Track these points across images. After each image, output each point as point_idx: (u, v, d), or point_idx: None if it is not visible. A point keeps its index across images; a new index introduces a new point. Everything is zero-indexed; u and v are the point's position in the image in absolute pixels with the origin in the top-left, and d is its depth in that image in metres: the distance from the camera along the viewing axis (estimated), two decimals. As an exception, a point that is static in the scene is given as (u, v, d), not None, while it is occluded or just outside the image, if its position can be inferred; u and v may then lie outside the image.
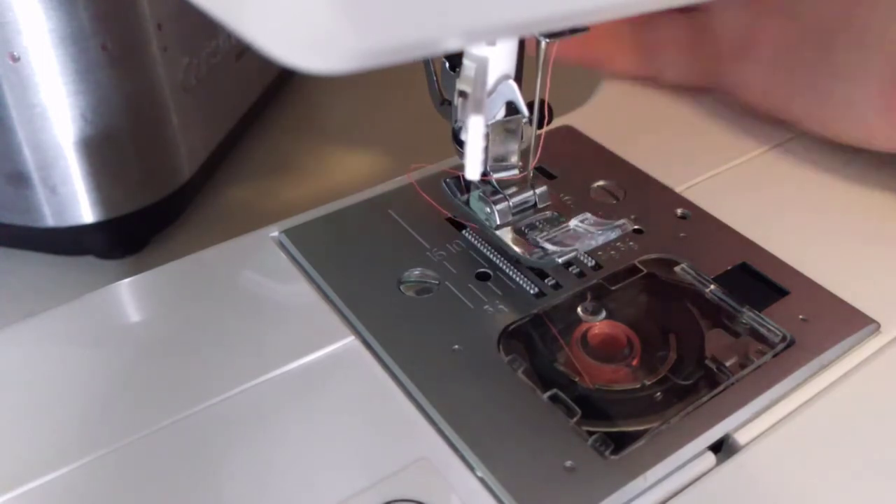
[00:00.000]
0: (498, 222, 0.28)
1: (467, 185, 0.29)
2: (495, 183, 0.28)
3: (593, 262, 0.28)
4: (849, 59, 0.31)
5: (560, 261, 0.26)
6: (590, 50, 0.38)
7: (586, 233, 0.27)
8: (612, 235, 0.27)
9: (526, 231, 0.28)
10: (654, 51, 0.38)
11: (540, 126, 0.27)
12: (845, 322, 0.26)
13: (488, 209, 0.28)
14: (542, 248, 0.27)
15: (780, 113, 0.35)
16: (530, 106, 0.27)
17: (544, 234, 0.27)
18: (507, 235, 0.28)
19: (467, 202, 0.29)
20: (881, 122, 0.31)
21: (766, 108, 0.35)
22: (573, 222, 0.27)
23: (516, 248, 0.27)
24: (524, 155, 0.28)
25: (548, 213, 0.28)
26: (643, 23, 0.38)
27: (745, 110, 0.36)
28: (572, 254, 0.26)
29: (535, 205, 0.28)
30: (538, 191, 0.28)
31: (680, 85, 0.38)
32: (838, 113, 0.32)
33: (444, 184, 0.29)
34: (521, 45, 0.26)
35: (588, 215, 0.28)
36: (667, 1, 0.20)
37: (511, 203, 0.28)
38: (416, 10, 0.13)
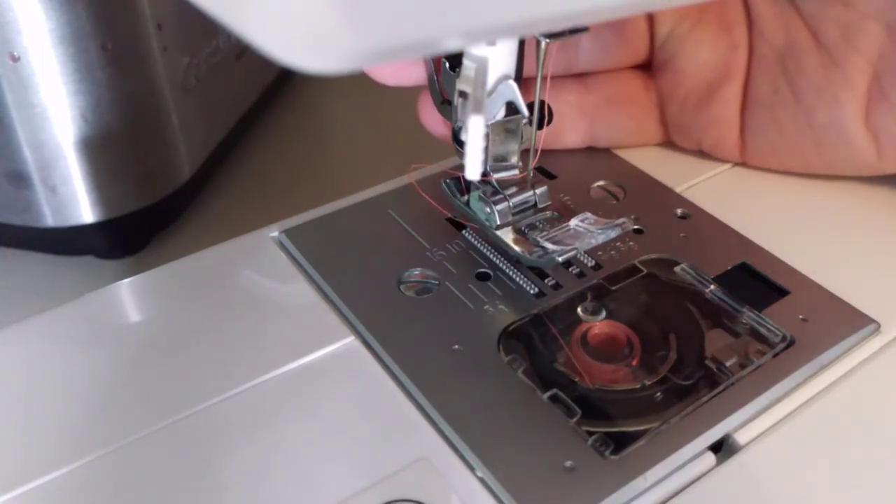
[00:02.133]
0: (498, 222, 0.28)
1: (467, 186, 0.29)
2: (495, 183, 0.28)
3: (593, 262, 0.28)
4: (825, 79, 0.30)
5: (560, 259, 0.26)
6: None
7: (586, 232, 0.27)
8: (612, 234, 0.27)
9: (526, 231, 0.28)
10: (590, 116, 0.33)
11: (540, 127, 0.27)
12: (845, 322, 0.26)
13: (488, 209, 0.28)
14: (543, 248, 0.27)
15: (759, 150, 0.32)
16: (530, 106, 0.27)
17: (544, 233, 0.27)
18: (507, 235, 0.28)
19: (467, 203, 0.29)
20: (864, 138, 0.30)
21: (741, 149, 0.33)
22: (573, 222, 0.27)
23: (516, 248, 0.27)
24: (524, 155, 0.28)
25: (548, 213, 0.28)
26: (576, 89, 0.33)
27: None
28: (572, 252, 0.26)
29: (535, 205, 0.28)
30: (538, 191, 0.28)
31: (620, 146, 0.34)
32: (826, 140, 0.30)
33: (443, 184, 0.29)
34: (521, 45, 0.26)
35: (588, 215, 0.28)
36: (668, 1, 0.20)
37: (511, 203, 0.28)
38: (415, 10, 0.13)
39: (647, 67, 0.34)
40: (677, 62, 0.33)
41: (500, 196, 0.28)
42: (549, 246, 0.26)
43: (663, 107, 0.34)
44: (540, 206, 0.28)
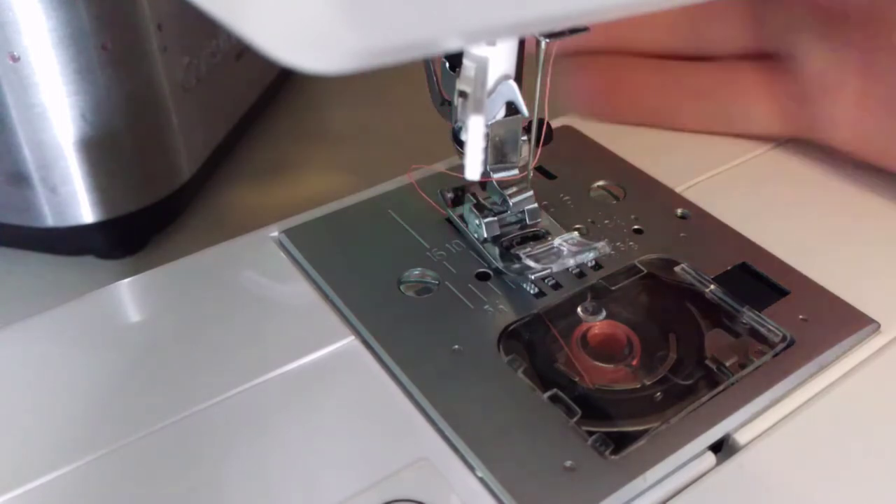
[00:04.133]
0: (485, 236, 0.28)
1: (459, 199, 0.29)
2: (496, 184, 0.28)
3: (593, 262, 0.28)
4: None
5: (533, 277, 0.27)
6: (651, 106, 0.35)
7: (569, 253, 0.27)
8: (590, 256, 0.28)
9: (511, 245, 0.28)
10: (726, 103, 0.34)
11: (538, 145, 0.27)
12: (845, 322, 0.26)
13: (477, 222, 0.28)
14: (523, 264, 0.27)
15: (875, 151, 0.31)
16: (530, 125, 0.27)
17: (527, 249, 0.27)
18: (491, 247, 0.28)
19: (460, 216, 0.29)
20: None
21: (860, 149, 0.32)
22: (557, 241, 0.28)
23: (499, 261, 0.27)
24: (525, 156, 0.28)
25: (535, 230, 0.28)
26: (709, 74, 0.34)
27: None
28: (546, 272, 0.27)
29: (523, 222, 0.28)
30: (528, 208, 0.28)
31: (757, 137, 0.35)
32: None
33: (439, 194, 0.30)
34: (521, 45, 0.26)
35: (574, 235, 0.28)
36: (668, 1, 0.20)
37: (499, 219, 0.28)
38: (415, 10, 0.13)
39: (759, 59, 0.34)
40: (794, 58, 0.32)
41: (489, 212, 0.28)
42: (531, 263, 0.27)
43: (781, 98, 0.34)
44: (529, 222, 0.28)
